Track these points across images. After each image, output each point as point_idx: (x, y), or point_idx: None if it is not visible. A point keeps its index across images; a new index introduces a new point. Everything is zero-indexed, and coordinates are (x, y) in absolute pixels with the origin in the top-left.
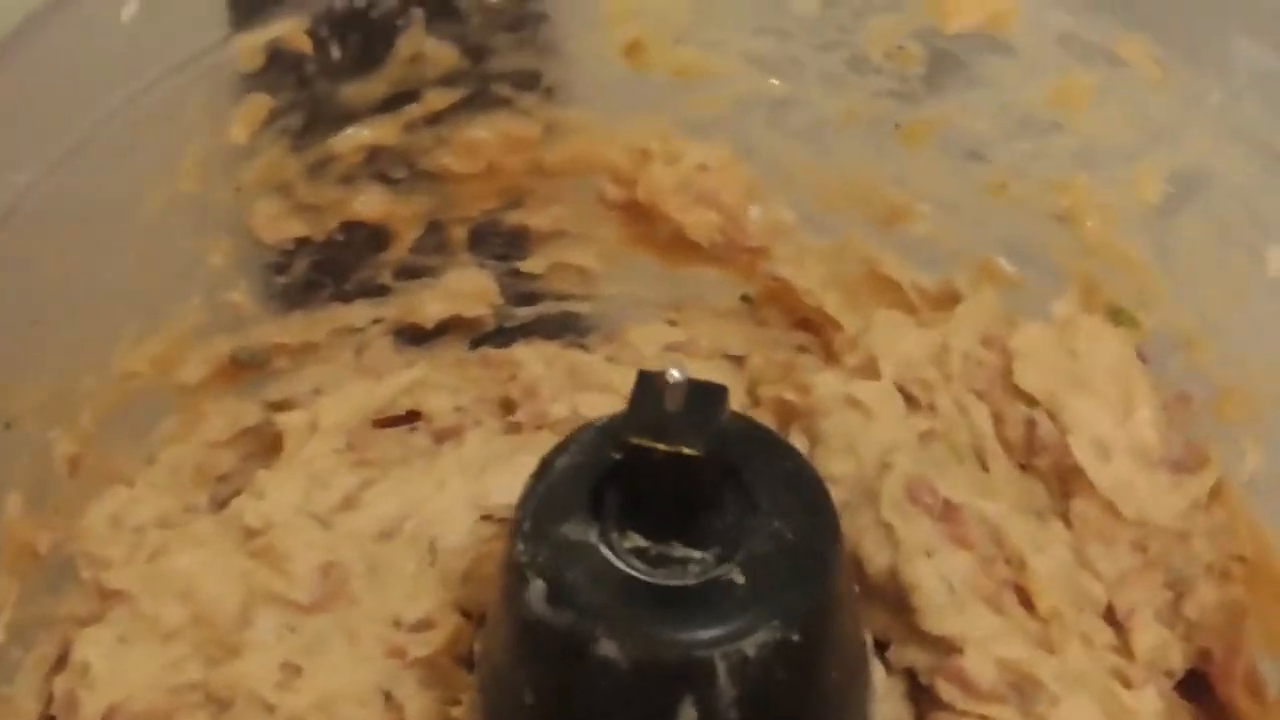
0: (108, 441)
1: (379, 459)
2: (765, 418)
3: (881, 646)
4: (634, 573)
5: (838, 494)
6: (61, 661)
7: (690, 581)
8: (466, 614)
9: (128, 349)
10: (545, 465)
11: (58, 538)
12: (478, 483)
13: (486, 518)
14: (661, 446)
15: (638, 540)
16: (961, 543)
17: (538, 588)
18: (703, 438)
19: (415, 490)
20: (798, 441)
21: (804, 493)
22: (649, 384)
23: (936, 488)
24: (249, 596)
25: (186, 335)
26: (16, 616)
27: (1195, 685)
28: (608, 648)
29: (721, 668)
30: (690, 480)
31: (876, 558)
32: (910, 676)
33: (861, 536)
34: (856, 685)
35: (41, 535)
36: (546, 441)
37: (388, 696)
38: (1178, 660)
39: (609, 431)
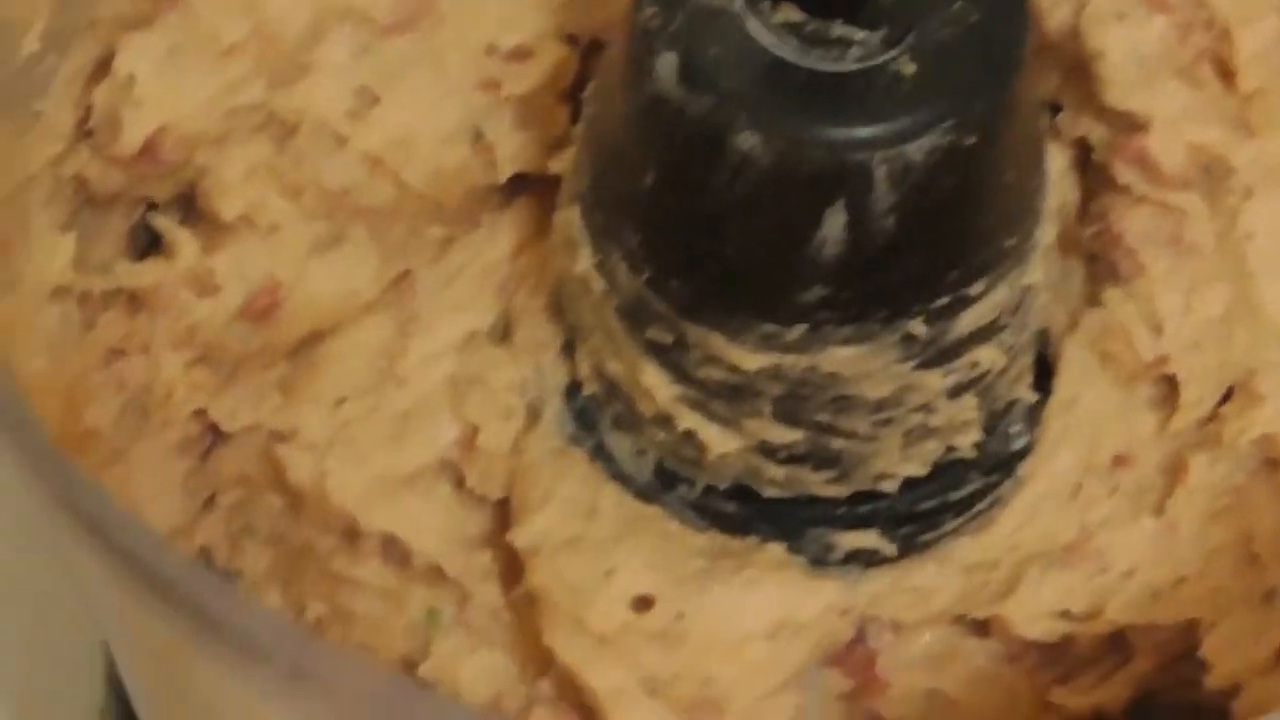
0: None
1: None
2: None
3: (1052, 109)
4: (785, 53)
5: None
6: (102, 69)
7: (850, 67)
8: (572, 41)
9: None
10: None
11: None
12: None
13: None
14: None
15: (790, 13)
16: (1158, 5)
17: (668, 62)
18: None
19: None
20: None
21: None
22: None
23: None
24: (321, 10)
25: None
26: (53, 24)
27: None
28: (748, 140)
29: (880, 173)
30: None
31: (1057, 12)
32: (1082, 148)
33: None
34: (1031, 184)
35: None
36: None
37: (477, 135)
38: None
39: None
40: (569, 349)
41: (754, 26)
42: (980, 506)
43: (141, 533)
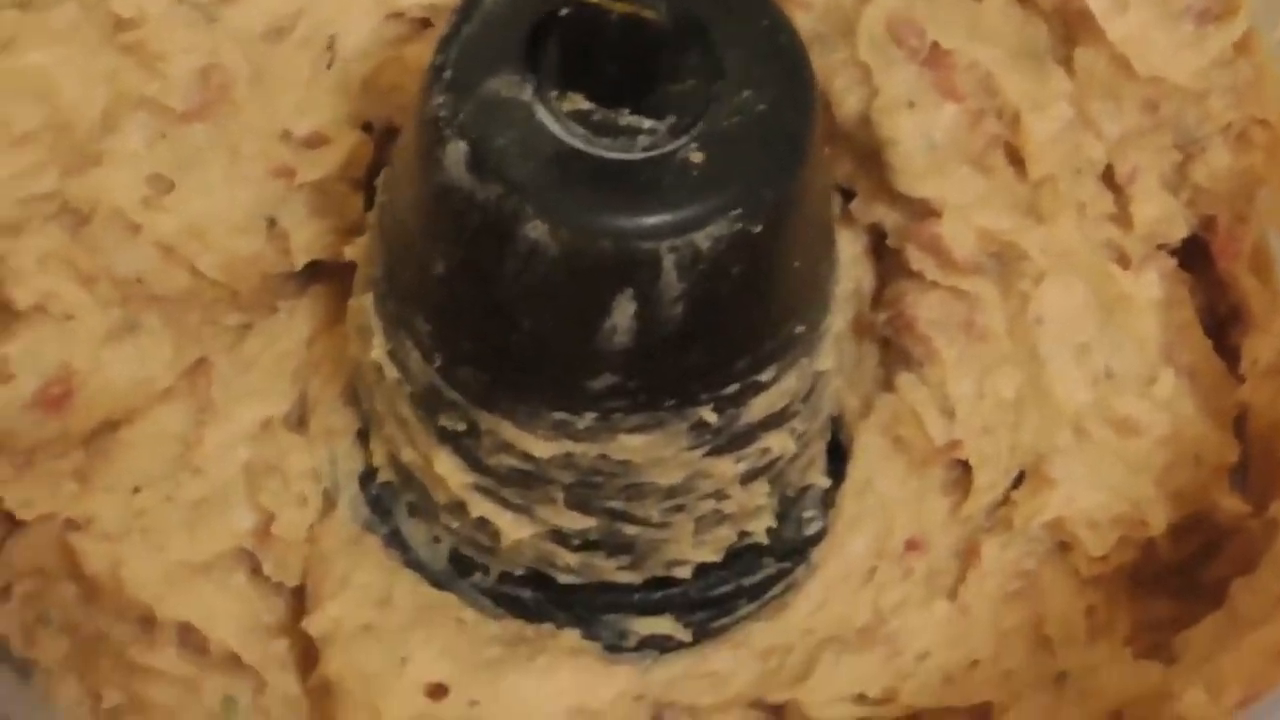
0: None
1: None
2: None
3: (845, 195)
4: (573, 141)
5: (808, 23)
6: None
7: (638, 155)
8: (367, 127)
9: None
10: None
11: None
12: None
13: (395, 16)
14: (618, 7)
15: (580, 102)
16: (949, 93)
17: (458, 150)
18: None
19: None
20: None
21: (781, 56)
22: None
23: (924, 28)
24: (116, 99)
25: None
26: None
27: (1193, 254)
28: (536, 229)
29: (668, 261)
30: (647, 43)
31: (848, 100)
32: (876, 234)
33: (833, 75)
34: (820, 271)
35: None
36: None
37: (271, 222)
38: (1179, 230)
39: None
40: (364, 436)
41: (543, 115)
42: (774, 592)
43: None
